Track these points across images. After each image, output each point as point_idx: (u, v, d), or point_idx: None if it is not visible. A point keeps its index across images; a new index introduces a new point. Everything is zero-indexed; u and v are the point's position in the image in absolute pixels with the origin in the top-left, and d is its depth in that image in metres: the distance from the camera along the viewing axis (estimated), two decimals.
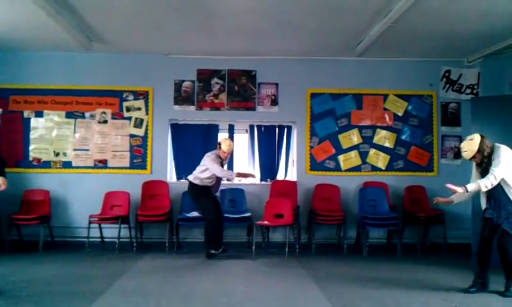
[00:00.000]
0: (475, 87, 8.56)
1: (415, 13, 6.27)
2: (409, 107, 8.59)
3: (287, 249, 7.24)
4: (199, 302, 4.68)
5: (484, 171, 5.02)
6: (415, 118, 8.58)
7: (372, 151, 8.53)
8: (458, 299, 4.82)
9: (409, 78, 8.61)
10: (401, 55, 8.44)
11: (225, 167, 7.29)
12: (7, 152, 8.05)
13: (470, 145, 4.99)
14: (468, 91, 8.57)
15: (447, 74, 8.62)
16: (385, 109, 8.59)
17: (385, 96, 8.62)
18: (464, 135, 8.05)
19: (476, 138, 4.99)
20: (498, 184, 4.94)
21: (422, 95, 8.63)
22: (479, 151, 4.95)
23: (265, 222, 7.49)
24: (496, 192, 5.02)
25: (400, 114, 8.59)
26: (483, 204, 5.24)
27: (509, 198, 4.97)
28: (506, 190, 4.96)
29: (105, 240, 7.88)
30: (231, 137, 8.56)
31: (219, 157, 7.04)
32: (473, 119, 6.99)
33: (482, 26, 6.91)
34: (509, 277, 5.03)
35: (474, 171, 5.22)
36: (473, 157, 5.01)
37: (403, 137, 8.52)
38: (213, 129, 8.50)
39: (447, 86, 8.62)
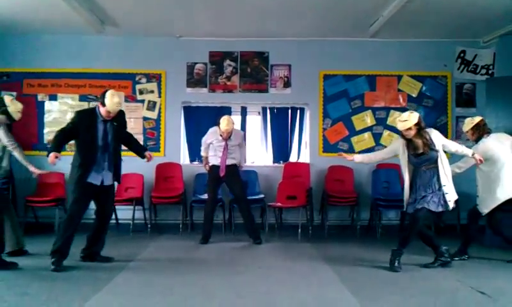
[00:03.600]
0: (491, 67, 8.44)
1: None
2: (424, 88, 8.51)
3: (299, 231, 7.27)
4: (212, 281, 4.73)
5: (415, 149, 5.12)
6: (430, 99, 8.50)
7: (386, 132, 8.48)
8: (472, 280, 4.81)
9: (424, 59, 8.50)
10: (415, 36, 8.33)
11: (232, 145, 6.95)
12: (22, 135, 8.16)
13: (411, 116, 5.09)
14: (484, 71, 8.46)
15: (462, 54, 8.51)
16: (399, 90, 8.52)
17: (399, 77, 8.54)
18: (479, 116, 8.07)
19: (416, 114, 5.16)
20: (432, 165, 5.12)
21: (436, 76, 8.54)
22: (417, 124, 5.06)
23: (278, 204, 7.51)
24: (426, 176, 5.15)
25: (414, 95, 8.51)
26: (407, 194, 5.31)
27: (439, 180, 5.10)
28: (440, 169, 5.10)
29: (120, 221, 7.95)
30: (243, 120, 8.57)
31: (221, 135, 6.90)
32: (488, 100, 6.94)
33: (498, 5, 6.81)
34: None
35: (400, 149, 5.30)
36: (410, 129, 5.07)
37: None
38: (225, 111, 8.47)
39: (462, 66, 8.51)
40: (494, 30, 8.00)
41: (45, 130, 8.36)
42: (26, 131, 8.21)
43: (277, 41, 8.48)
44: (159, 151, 8.40)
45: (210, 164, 7.05)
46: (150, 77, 8.51)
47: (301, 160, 8.65)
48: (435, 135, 5.19)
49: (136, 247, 5.73)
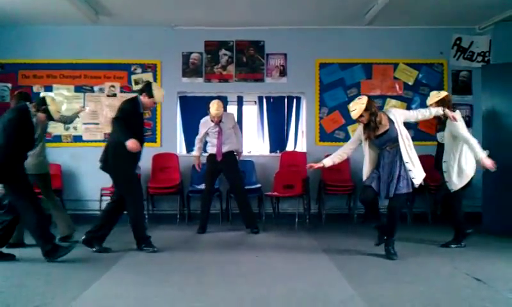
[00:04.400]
0: (487, 54, 8.44)
1: None
2: (420, 76, 8.50)
3: (297, 220, 7.29)
4: (210, 270, 4.75)
5: (371, 131, 5.11)
6: (426, 86, 8.47)
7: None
8: (468, 266, 4.83)
9: (420, 46, 8.48)
10: (411, 23, 8.30)
11: (227, 128, 6.92)
12: None
13: (358, 104, 5.10)
14: (480, 58, 8.45)
15: (457, 42, 8.49)
16: (395, 78, 8.51)
17: (395, 65, 8.53)
18: (476, 103, 8.12)
19: (364, 98, 5.15)
20: (395, 144, 5.08)
21: (432, 63, 8.52)
22: (366, 109, 5.04)
23: (275, 193, 7.53)
24: (390, 156, 5.13)
25: (410, 83, 8.50)
26: (366, 173, 5.30)
27: (401, 158, 5.05)
28: (402, 147, 5.04)
29: None
30: (239, 109, 8.56)
31: (212, 120, 6.90)
32: (484, 87, 6.93)
33: None
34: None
35: (363, 141, 5.30)
36: (361, 116, 5.07)
37: (413, 106, 8.43)
38: (222, 101, 8.48)
39: (458, 53, 8.50)
40: (490, 17, 7.98)
41: None
42: None
43: (273, 30, 8.45)
44: (155, 141, 8.39)
45: (207, 154, 7.04)
46: (145, 67, 8.48)
47: (297, 149, 8.65)
48: (394, 113, 5.17)
49: (133, 237, 5.74)
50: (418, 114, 5.26)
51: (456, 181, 5.60)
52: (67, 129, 8.30)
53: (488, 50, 8.43)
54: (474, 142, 5.38)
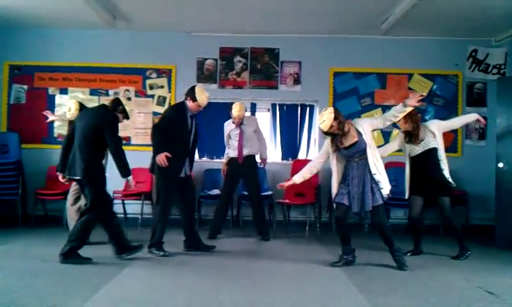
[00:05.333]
0: (502, 67, 8.40)
1: None
2: (434, 87, 8.48)
3: (307, 228, 7.27)
4: (220, 276, 4.75)
5: (338, 145, 5.05)
6: (440, 98, 8.45)
7: (395, 131, 8.43)
8: (480, 279, 4.78)
9: (435, 57, 8.47)
10: (427, 34, 8.30)
11: (248, 131, 6.92)
12: (32, 128, 8.25)
13: (326, 114, 4.97)
14: (495, 71, 8.41)
15: (473, 53, 8.46)
16: (409, 89, 8.48)
17: (410, 76, 8.51)
18: (490, 116, 8.05)
19: (330, 108, 5.06)
20: (364, 155, 5.01)
21: (447, 75, 8.50)
22: (335, 118, 4.93)
23: (287, 201, 7.52)
24: (359, 168, 5.06)
25: (425, 93, 8.45)
26: (335, 187, 5.23)
27: (370, 171, 4.99)
28: (369, 158, 4.98)
29: (128, 215, 8.00)
30: (252, 116, 8.56)
31: (233, 122, 6.93)
32: (499, 100, 6.87)
33: (510, 5, 6.75)
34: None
35: (331, 153, 5.22)
36: (332, 126, 4.94)
37: (427, 117, 8.39)
38: (227, 109, 8.50)
39: (473, 65, 8.47)
40: (506, 29, 7.95)
41: (55, 124, 8.39)
42: (36, 124, 8.27)
43: (287, 38, 8.48)
44: None
45: (228, 158, 7.03)
46: (160, 72, 8.54)
47: (309, 158, 8.63)
48: (362, 124, 5.10)
49: (144, 241, 5.76)
50: (384, 120, 5.19)
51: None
52: None
53: (503, 62, 8.38)
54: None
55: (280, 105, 8.67)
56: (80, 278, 4.52)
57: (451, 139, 8.40)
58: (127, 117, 5.47)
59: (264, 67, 8.56)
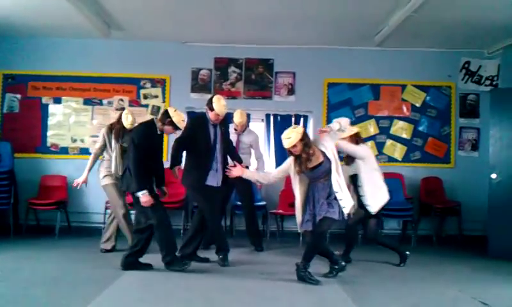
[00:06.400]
0: (495, 78, 8.45)
1: (436, 1, 6.22)
2: (427, 98, 8.51)
3: (301, 239, 7.24)
4: (213, 286, 4.72)
5: (301, 165, 4.87)
6: (433, 109, 8.49)
7: (389, 142, 8.48)
8: (473, 290, 4.79)
9: (428, 69, 8.51)
10: (420, 46, 8.34)
11: (244, 143, 7.01)
12: (25, 137, 8.21)
13: (294, 132, 4.84)
14: (488, 82, 8.47)
15: (466, 65, 8.51)
16: (403, 100, 8.52)
17: (403, 87, 8.54)
18: (483, 127, 8.11)
19: (300, 128, 4.93)
20: (328, 176, 4.89)
21: (440, 86, 8.54)
22: (302, 139, 4.80)
23: (280, 211, 7.51)
24: (324, 188, 4.95)
25: (418, 104, 8.51)
26: (299, 216, 5.12)
27: (331, 188, 4.89)
28: (333, 178, 4.85)
29: None
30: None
31: (235, 129, 6.93)
32: (492, 111, 6.92)
33: (503, 17, 6.82)
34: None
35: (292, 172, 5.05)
36: (295, 146, 4.81)
37: (420, 128, 8.46)
38: (229, 117, 8.49)
39: (466, 77, 8.52)
40: (499, 41, 8.01)
41: (49, 133, 8.36)
42: (30, 134, 8.25)
43: (282, 49, 8.50)
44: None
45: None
46: (154, 82, 8.53)
47: None
48: (322, 142, 4.97)
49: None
50: (343, 144, 5.36)
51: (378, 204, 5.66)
52: (74, 141, 8.34)
53: (496, 74, 8.44)
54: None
55: (274, 115, 8.67)
56: (74, 288, 4.49)
57: (444, 150, 8.44)
58: (176, 128, 5.45)
59: (258, 77, 8.57)
